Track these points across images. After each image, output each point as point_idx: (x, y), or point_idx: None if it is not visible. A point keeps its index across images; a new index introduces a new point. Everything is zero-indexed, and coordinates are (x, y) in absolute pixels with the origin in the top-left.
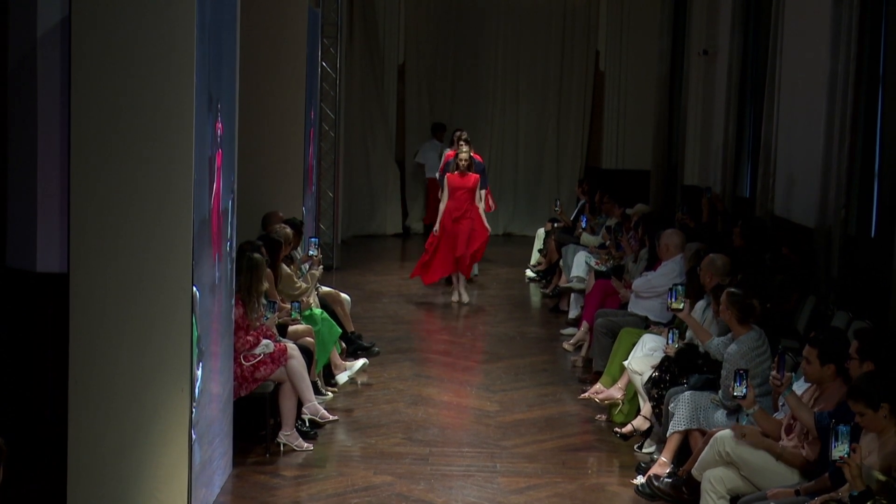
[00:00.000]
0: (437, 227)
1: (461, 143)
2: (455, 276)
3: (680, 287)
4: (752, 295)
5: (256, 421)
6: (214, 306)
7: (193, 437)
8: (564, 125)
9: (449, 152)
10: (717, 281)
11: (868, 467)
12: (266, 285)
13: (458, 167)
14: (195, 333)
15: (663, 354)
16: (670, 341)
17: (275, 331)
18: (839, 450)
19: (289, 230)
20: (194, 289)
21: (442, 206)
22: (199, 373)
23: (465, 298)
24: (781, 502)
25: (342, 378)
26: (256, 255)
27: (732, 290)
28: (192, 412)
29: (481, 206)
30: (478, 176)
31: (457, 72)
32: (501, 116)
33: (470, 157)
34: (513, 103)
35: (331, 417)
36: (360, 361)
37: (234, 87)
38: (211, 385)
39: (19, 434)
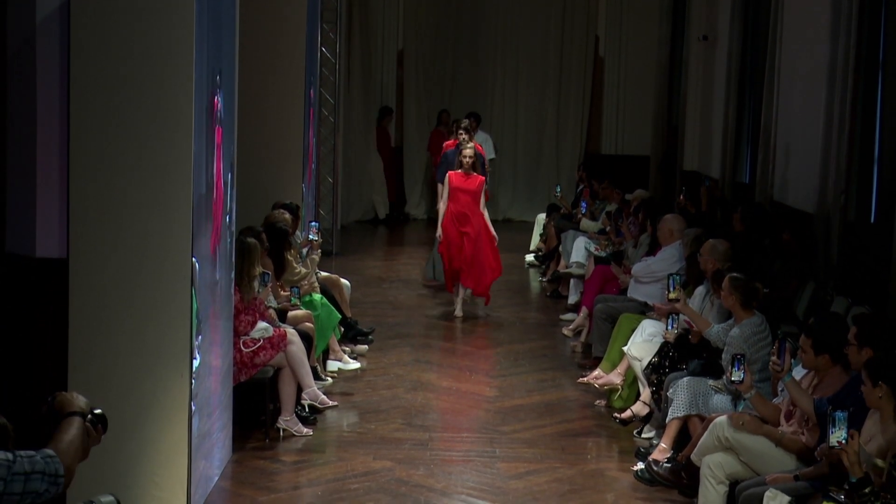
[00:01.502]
0: (439, 231)
1: (461, 131)
2: (456, 287)
3: (677, 277)
4: (754, 279)
5: (256, 406)
6: (214, 279)
7: (193, 408)
8: (564, 111)
9: (448, 142)
10: (717, 266)
11: (868, 454)
12: (259, 269)
13: (461, 165)
14: (194, 305)
15: (662, 340)
16: (670, 327)
17: (274, 315)
18: (836, 436)
19: (287, 216)
20: (193, 260)
21: (442, 208)
22: (197, 344)
23: (460, 312)
24: (780, 487)
25: (333, 365)
26: (250, 240)
27: (734, 274)
28: (191, 388)
29: (486, 213)
30: (483, 178)
31: (456, 57)
32: (501, 102)
33: (475, 154)
34: (512, 89)
35: (330, 403)
36: (355, 365)
37: (234, 59)
38: (210, 357)
39: (18, 419)
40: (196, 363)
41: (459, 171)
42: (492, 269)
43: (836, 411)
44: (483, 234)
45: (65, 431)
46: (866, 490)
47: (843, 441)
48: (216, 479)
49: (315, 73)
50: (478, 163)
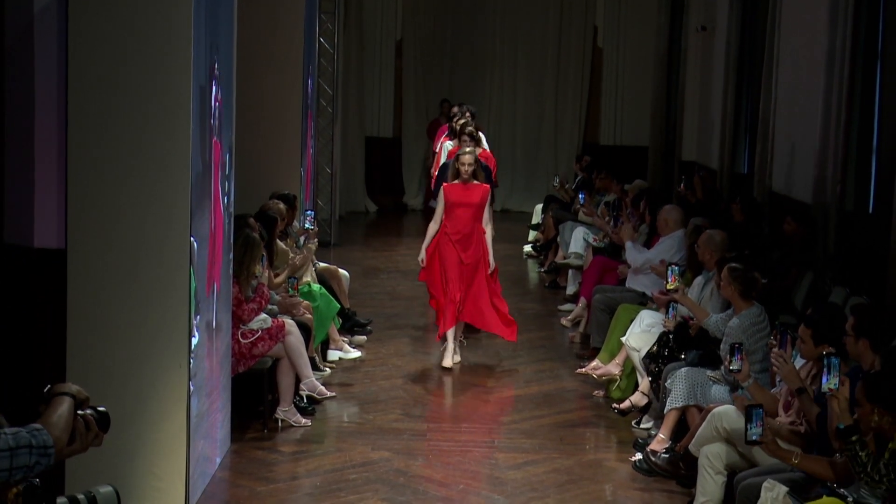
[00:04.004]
0: (422, 256)
1: (465, 137)
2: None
3: (675, 267)
4: (754, 269)
5: (255, 397)
6: (212, 259)
7: (191, 388)
8: (562, 101)
9: (452, 148)
10: (716, 257)
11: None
12: (258, 268)
13: (458, 175)
14: (193, 285)
15: (661, 330)
16: (669, 315)
17: (273, 297)
18: (830, 382)
19: (282, 206)
20: (192, 240)
21: (432, 229)
22: (196, 323)
23: (449, 362)
24: (777, 478)
25: (333, 355)
26: (254, 235)
27: (734, 265)
28: (189, 375)
29: (489, 230)
30: (487, 187)
31: (454, 48)
32: (499, 93)
33: (476, 160)
34: (510, 80)
35: (328, 394)
36: (356, 353)
37: (232, 39)
38: (208, 337)
39: (16, 411)
40: (195, 341)
41: (456, 181)
42: (497, 301)
43: (831, 357)
44: (481, 264)
45: (53, 407)
46: (853, 438)
47: (835, 388)
48: (216, 465)
49: (313, 64)
50: (480, 171)
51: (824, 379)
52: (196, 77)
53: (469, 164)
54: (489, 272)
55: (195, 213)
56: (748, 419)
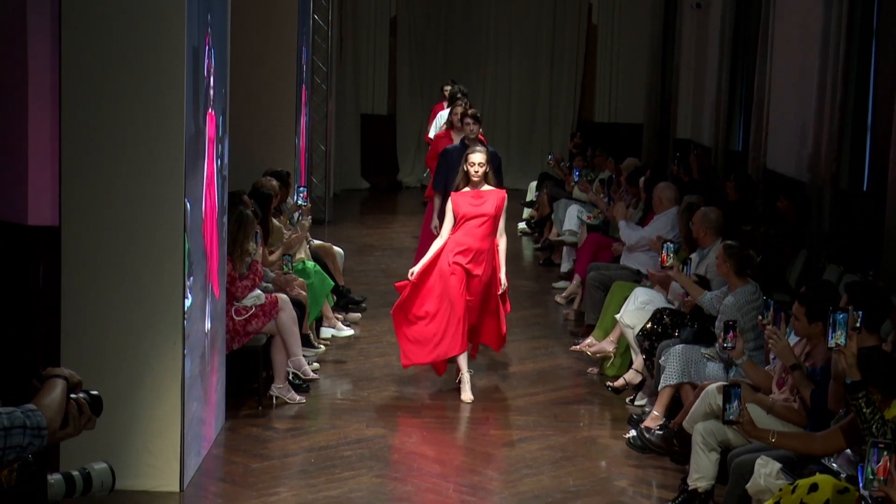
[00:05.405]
0: (414, 269)
1: (468, 120)
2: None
3: (671, 244)
4: (749, 247)
5: (249, 374)
6: (205, 222)
7: (185, 350)
8: (557, 79)
9: (440, 133)
10: (712, 235)
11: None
12: (252, 246)
13: (467, 180)
14: (186, 247)
15: (655, 307)
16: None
17: (267, 274)
18: (836, 338)
19: (275, 182)
20: (186, 201)
21: (438, 245)
22: (189, 284)
23: (468, 396)
24: (771, 454)
25: (327, 332)
26: (248, 212)
27: (729, 242)
28: (184, 360)
29: (503, 242)
30: (503, 194)
31: (449, 25)
32: (494, 70)
33: (487, 158)
34: (505, 57)
35: (312, 376)
36: (350, 331)
37: (226, 6)
38: (202, 299)
39: (11, 389)
40: (188, 303)
41: (466, 189)
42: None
43: (838, 313)
44: (493, 282)
45: (47, 389)
46: (860, 395)
47: (842, 343)
48: (213, 429)
49: (307, 41)
50: (493, 175)
51: (830, 336)
52: (189, 38)
53: (480, 164)
54: (500, 292)
55: (189, 175)
56: (726, 399)
